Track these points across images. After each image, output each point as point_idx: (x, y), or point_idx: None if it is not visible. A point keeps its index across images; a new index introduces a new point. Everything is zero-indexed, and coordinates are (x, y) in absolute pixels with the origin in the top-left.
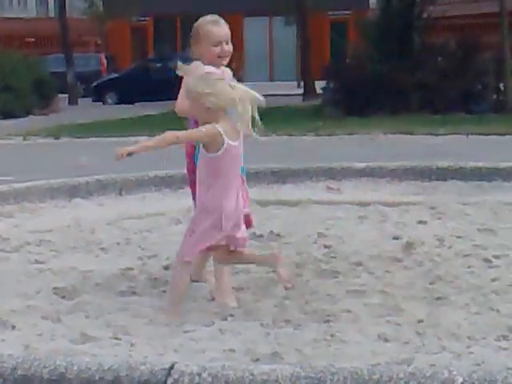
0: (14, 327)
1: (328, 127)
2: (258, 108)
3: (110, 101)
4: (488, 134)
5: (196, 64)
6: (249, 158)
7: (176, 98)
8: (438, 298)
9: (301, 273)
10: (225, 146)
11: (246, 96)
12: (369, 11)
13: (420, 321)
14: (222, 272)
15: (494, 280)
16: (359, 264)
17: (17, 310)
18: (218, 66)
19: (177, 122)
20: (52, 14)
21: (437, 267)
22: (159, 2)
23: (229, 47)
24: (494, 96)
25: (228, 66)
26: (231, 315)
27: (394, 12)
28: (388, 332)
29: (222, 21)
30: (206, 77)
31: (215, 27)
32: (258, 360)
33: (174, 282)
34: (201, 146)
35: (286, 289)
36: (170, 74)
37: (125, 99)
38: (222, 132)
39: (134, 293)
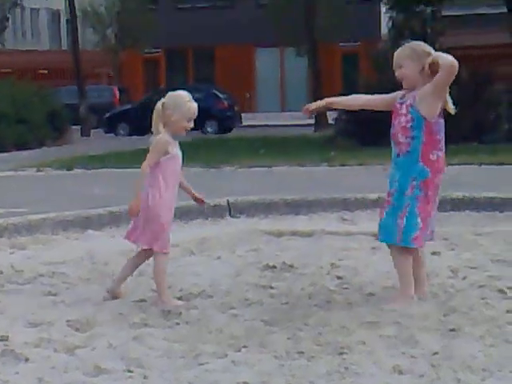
0: (27, 360)
1: (340, 158)
2: (269, 138)
3: (122, 132)
4: (501, 164)
5: None
6: (261, 188)
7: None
8: (453, 330)
9: (314, 304)
10: None
11: None
12: (380, 42)
13: (435, 353)
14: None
15: (508, 311)
16: (373, 295)
17: (30, 342)
18: None
19: (189, 152)
20: (65, 46)
21: (451, 298)
22: (171, 34)
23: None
24: (507, 126)
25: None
26: (244, 347)
27: (406, 43)
28: (403, 364)
29: None
30: None
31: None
32: None
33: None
34: None
35: None
36: None
37: (137, 130)
38: None
39: (147, 325)
